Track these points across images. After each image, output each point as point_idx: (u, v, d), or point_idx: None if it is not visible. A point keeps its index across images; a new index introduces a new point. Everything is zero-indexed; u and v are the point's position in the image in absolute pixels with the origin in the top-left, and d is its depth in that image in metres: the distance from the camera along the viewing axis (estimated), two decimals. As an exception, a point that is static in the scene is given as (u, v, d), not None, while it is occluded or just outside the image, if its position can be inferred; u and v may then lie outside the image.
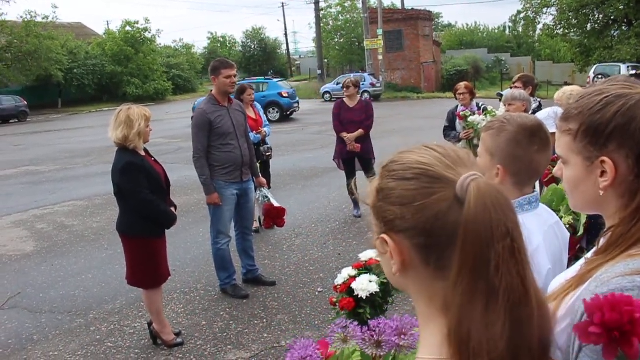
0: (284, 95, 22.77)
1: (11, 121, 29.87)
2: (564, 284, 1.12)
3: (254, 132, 7.03)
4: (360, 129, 7.27)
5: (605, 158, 1.08)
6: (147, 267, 4.16)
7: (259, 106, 7.44)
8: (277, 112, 22.56)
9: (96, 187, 10.34)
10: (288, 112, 22.94)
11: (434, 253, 0.83)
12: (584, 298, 0.93)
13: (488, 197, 0.78)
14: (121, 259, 5.39)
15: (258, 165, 7.05)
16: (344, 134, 7.37)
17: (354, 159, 7.51)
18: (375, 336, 1.30)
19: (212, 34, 62.22)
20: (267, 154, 7.22)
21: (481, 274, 0.76)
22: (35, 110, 32.57)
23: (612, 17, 32.14)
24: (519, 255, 0.78)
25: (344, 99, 7.54)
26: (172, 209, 4.30)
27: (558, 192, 2.84)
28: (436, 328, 0.83)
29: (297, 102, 23.65)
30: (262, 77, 24.23)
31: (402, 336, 1.28)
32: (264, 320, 4.69)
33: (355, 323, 1.39)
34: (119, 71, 37.13)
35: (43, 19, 34.13)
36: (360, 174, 7.45)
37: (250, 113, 7.15)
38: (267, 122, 7.40)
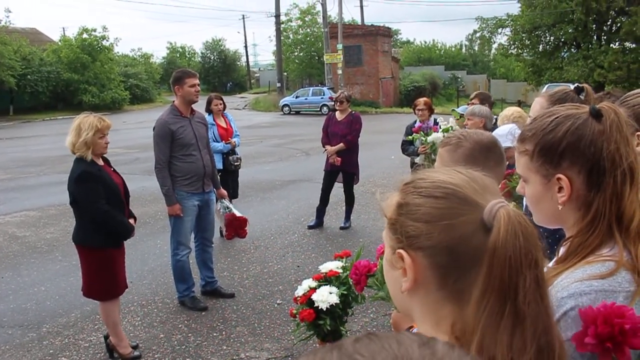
0: None
1: (-41, 128, 28.83)
2: None
3: (224, 141, 7.03)
4: (341, 143, 7.36)
5: (560, 175, 1.16)
6: (103, 279, 4.10)
7: (230, 116, 7.45)
8: None
9: (50, 197, 10.07)
10: None
11: (454, 274, 0.83)
12: (580, 307, 1.01)
13: (518, 225, 0.79)
14: (76, 271, 5.28)
15: (227, 174, 7.07)
16: (327, 147, 7.47)
17: (337, 172, 7.58)
18: None
19: (171, 44, 61.65)
20: (236, 163, 7.21)
21: (508, 300, 0.77)
22: (-15, 117, 31.55)
23: (562, 40, 33.46)
24: (542, 284, 0.79)
25: (336, 113, 7.62)
26: (132, 220, 4.26)
27: None
28: None
29: None
30: None
31: None
32: (223, 333, 4.67)
33: None
34: (75, 79, 36.27)
35: (-5, 23, 33.22)
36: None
37: (221, 122, 7.16)
38: (237, 132, 7.40)
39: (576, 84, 1.52)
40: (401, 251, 0.87)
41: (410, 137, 6.26)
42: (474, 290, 0.79)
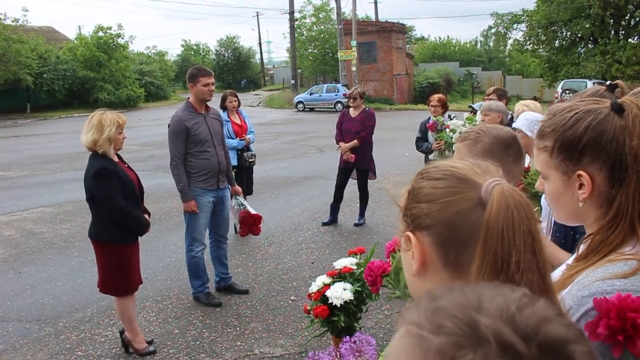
0: None
1: (-23, 125, 29.18)
2: None
3: (238, 138, 7.05)
4: (355, 140, 7.34)
5: (581, 172, 1.14)
6: (119, 274, 4.13)
7: (244, 112, 7.46)
8: None
9: (66, 194, 10.18)
10: None
11: (453, 250, 0.87)
12: (594, 297, 1.00)
13: (511, 199, 0.83)
14: (92, 266, 5.32)
15: (242, 170, 7.09)
16: (341, 144, 7.47)
17: (351, 169, 7.56)
18: None
19: (185, 41, 61.91)
20: (251, 160, 7.23)
21: (502, 271, 0.80)
22: (2, 115, 31.85)
23: (578, 35, 33.11)
24: (539, 254, 0.82)
25: (350, 109, 7.61)
26: (146, 216, 4.29)
27: None
28: None
29: None
30: None
31: (357, 354, 1.32)
32: (237, 329, 4.69)
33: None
34: (90, 77, 36.53)
35: (13, 21, 33.43)
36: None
37: (236, 119, 7.18)
38: (252, 129, 7.41)
39: (608, 82, 1.47)
40: (408, 233, 0.91)
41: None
42: (472, 265, 0.83)
